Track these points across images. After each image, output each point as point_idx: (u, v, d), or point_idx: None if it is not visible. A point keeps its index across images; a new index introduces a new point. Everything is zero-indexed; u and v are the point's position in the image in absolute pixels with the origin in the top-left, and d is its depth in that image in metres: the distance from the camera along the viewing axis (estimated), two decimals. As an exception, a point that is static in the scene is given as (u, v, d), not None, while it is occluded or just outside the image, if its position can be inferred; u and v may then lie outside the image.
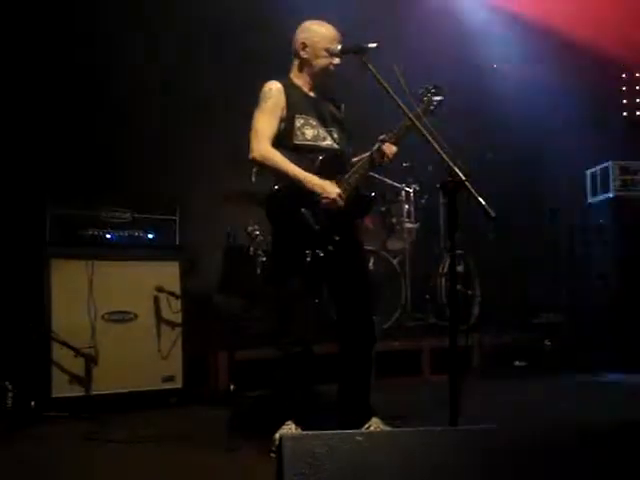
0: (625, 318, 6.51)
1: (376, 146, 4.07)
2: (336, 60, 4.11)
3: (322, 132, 4.15)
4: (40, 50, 5.84)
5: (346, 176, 4.05)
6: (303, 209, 3.96)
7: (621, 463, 2.39)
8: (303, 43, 4.15)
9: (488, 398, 5.34)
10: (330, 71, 4.15)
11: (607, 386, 5.93)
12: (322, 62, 4.13)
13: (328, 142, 4.16)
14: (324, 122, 4.19)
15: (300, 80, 4.21)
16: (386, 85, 3.67)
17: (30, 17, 5.81)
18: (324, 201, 3.94)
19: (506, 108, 7.12)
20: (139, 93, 6.19)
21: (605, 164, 6.99)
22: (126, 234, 5.33)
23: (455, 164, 3.23)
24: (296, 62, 4.23)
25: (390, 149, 4.04)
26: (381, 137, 4.07)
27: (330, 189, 3.95)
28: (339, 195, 3.96)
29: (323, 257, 3.94)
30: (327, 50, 4.08)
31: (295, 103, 4.11)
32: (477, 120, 7.06)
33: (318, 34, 4.14)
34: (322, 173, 4.01)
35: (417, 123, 3.58)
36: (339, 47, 4.06)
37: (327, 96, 4.32)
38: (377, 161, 4.08)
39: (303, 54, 4.17)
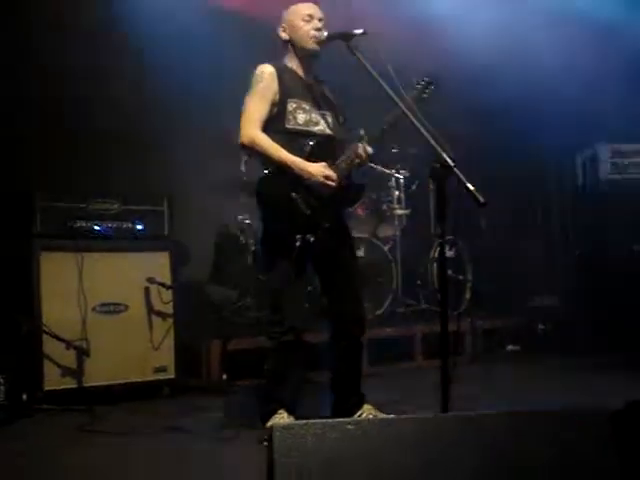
0: (616, 300, 6.53)
1: (358, 140, 4.04)
2: (315, 24, 4.07)
3: (315, 116, 4.13)
4: (28, 39, 5.79)
5: (337, 161, 4.03)
6: (293, 193, 3.95)
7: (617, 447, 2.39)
8: (283, 26, 4.18)
9: (480, 383, 5.36)
10: (314, 44, 4.08)
11: (599, 369, 5.93)
12: (302, 32, 4.09)
13: (320, 127, 4.14)
14: (318, 106, 4.17)
15: (293, 64, 4.19)
16: (373, 72, 3.66)
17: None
18: (315, 183, 3.93)
19: (495, 91, 7.09)
20: (127, 83, 6.15)
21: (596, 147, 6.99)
22: (115, 225, 5.29)
23: (443, 150, 3.23)
24: (285, 47, 4.22)
25: (365, 150, 3.99)
26: (361, 132, 4.04)
27: (317, 171, 3.93)
28: (328, 177, 3.94)
29: (313, 242, 3.93)
30: (303, 19, 4.07)
31: (288, 87, 4.09)
32: (467, 104, 7.03)
33: (291, 12, 4.17)
34: (313, 158, 3.99)
35: (403, 108, 3.57)
36: (325, 34, 4.05)
37: (321, 80, 4.30)
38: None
39: (285, 36, 4.17)
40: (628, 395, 2.67)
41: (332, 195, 3.98)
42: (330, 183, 3.94)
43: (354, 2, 6.59)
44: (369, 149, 3.97)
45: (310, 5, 4.15)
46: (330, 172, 3.95)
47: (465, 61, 6.64)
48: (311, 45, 4.09)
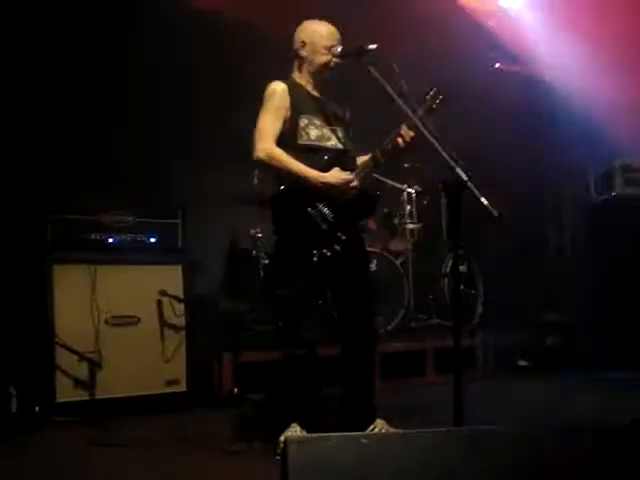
0: (628, 316, 6.50)
1: (377, 149, 4.06)
2: (335, 59, 4.11)
3: (326, 132, 4.15)
4: (39, 53, 5.83)
5: (353, 173, 4.05)
6: (309, 209, 3.96)
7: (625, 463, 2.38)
8: (303, 42, 4.17)
9: (492, 398, 5.34)
10: (329, 69, 4.15)
11: (609, 384, 5.90)
12: (322, 59, 4.13)
13: (332, 142, 4.16)
14: (328, 121, 4.18)
15: (302, 79, 4.22)
16: (387, 87, 3.68)
17: (27, 16, 5.80)
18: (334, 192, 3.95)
19: (507, 105, 7.10)
20: (140, 95, 6.18)
21: (609, 162, 6.99)
22: (128, 238, 5.31)
23: (457, 164, 3.23)
24: (296, 61, 4.24)
25: (408, 134, 3.97)
26: (383, 143, 4.05)
27: (336, 176, 3.96)
28: (346, 181, 3.97)
29: (330, 257, 3.93)
30: (326, 48, 4.09)
31: (299, 103, 4.11)
32: (478, 119, 7.04)
33: (317, 32, 4.16)
34: (328, 172, 4.01)
35: (418, 123, 3.59)
36: (339, 49, 4.07)
37: (330, 96, 4.32)
38: (381, 157, 4.04)
39: (303, 53, 4.18)
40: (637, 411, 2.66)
41: (347, 208, 3.99)
42: (351, 184, 3.97)
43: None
44: (411, 133, 3.93)
45: (335, 32, 4.16)
46: (347, 176, 3.97)
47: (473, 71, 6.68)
48: (329, 68, 4.13)
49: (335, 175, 3.98)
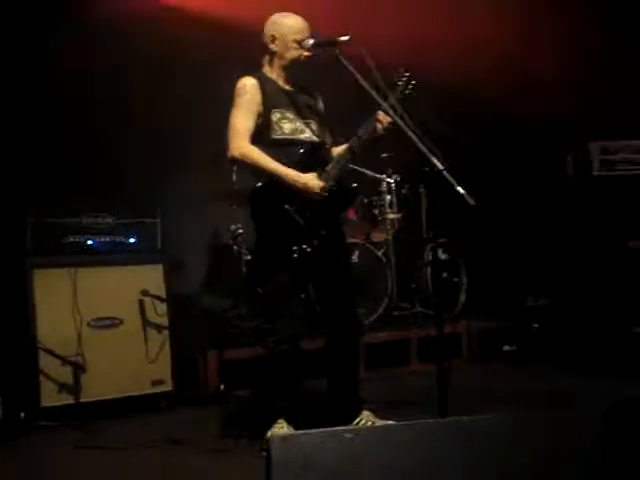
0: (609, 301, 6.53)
1: (354, 139, 4.07)
2: (307, 52, 4.09)
3: (300, 125, 4.13)
4: (21, 56, 5.78)
5: (327, 168, 4.03)
6: (287, 205, 3.95)
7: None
8: (272, 36, 4.14)
9: (477, 385, 5.36)
10: (300, 62, 4.13)
11: (593, 370, 5.92)
12: (292, 54, 4.11)
13: (307, 134, 4.14)
14: (301, 115, 4.16)
15: (273, 74, 4.19)
16: (359, 76, 3.67)
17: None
18: (306, 195, 3.93)
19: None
20: (117, 95, 6.14)
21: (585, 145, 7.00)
22: (108, 239, 5.29)
23: (433, 154, 3.24)
24: (267, 56, 4.21)
25: (385, 119, 3.98)
26: (359, 132, 4.05)
27: (311, 184, 3.94)
28: (322, 188, 3.95)
29: (309, 252, 3.93)
30: (297, 42, 4.07)
31: (271, 97, 4.09)
32: (452, 103, 7.05)
33: (286, 26, 4.12)
34: (303, 166, 3.99)
35: (391, 113, 3.60)
36: (311, 41, 4.05)
37: (302, 88, 4.29)
38: (358, 147, 4.05)
39: (273, 47, 4.15)
40: (620, 394, 2.67)
41: (325, 201, 3.98)
42: (323, 194, 3.95)
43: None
44: (389, 118, 3.92)
45: (305, 25, 4.12)
46: (322, 183, 3.96)
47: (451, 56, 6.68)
48: (299, 62, 4.10)
49: (310, 183, 3.95)
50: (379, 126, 3.99)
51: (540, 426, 2.47)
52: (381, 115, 3.96)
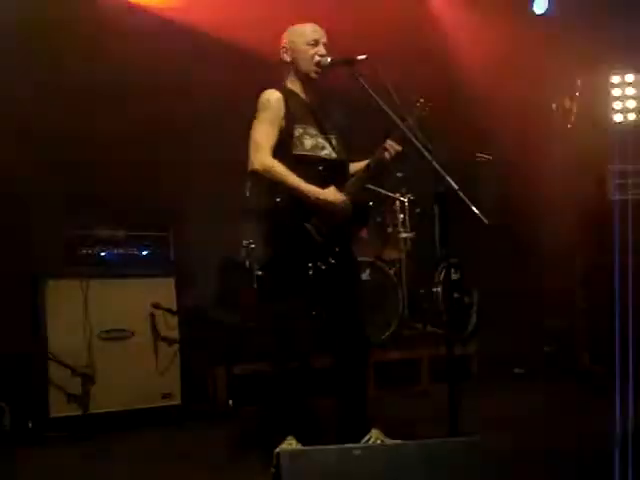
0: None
1: (371, 159, 4.07)
2: (320, 49, 4.06)
3: (321, 141, 4.10)
4: (32, 62, 5.81)
5: (346, 185, 4.04)
6: (306, 224, 3.95)
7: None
8: (284, 47, 4.14)
9: (488, 407, 5.33)
10: (317, 69, 4.08)
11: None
12: (305, 57, 4.07)
13: (327, 151, 4.11)
14: (322, 130, 4.14)
15: (295, 86, 4.17)
16: (377, 98, 3.68)
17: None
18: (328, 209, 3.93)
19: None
20: (131, 107, 6.15)
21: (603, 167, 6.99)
22: (120, 252, 5.32)
23: (447, 173, 3.24)
24: (286, 69, 4.20)
25: (393, 147, 3.98)
26: (370, 161, 4.07)
27: (333, 197, 3.95)
28: (343, 202, 3.96)
29: (324, 270, 3.92)
30: (309, 44, 4.05)
31: (294, 112, 4.06)
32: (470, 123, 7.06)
33: (295, 33, 4.12)
34: (321, 184, 3.98)
35: (408, 133, 3.60)
36: (329, 60, 4.04)
37: (323, 100, 4.27)
38: (375, 169, 4.06)
39: (287, 57, 4.14)
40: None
41: (341, 220, 3.98)
42: (346, 206, 3.96)
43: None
44: (397, 147, 3.94)
45: (316, 29, 4.12)
46: (342, 196, 3.97)
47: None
48: (313, 71, 4.09)
49: (331, 198, 3.96)
50: (387, 155, 4.00)
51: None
52: (388, 144, 3.97)
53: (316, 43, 4.07)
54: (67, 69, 5.84)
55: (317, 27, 4.13)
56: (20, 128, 5.56)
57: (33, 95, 5.61)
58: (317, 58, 4.05)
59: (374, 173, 4.10)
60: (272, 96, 4.06)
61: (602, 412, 4.21)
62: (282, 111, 4.04)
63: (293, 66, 4.15)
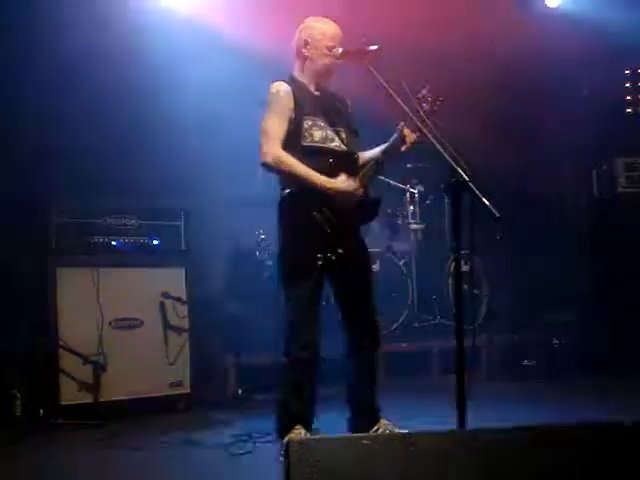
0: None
1: (380, 149, 4.08)
2: (337, 51, 4.07)
3: (330, 133, 4.11)
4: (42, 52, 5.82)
5: (359, 174, 4.04)
6: (315, 213, 3.95)
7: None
8: (305, 40, 4.12)
9: (497, 398, 5.34)
10: (332, 69, 4.13)
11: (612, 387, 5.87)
12: (324, 60, 4.09)
13: (336, 143, 4.12)
14: (331, 122, 4.14)
15: (305, 79, 4.17)
16: (389, 88, 3.67)
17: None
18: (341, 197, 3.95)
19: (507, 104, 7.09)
20: (144, 98, 6.16)
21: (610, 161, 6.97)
22: (131, 241, 5.34)
23: (458, 165, 3.23)
24: (298, 60, 4.19)
25: (411, 136, 3.98)
26: (385, 148, 4.07)
27: (345, 186, 3.96)
28: (356, 189, 3.98)
29: (334, 260, 3.93)
30: (328, 48, 4.06)
31: (303, 104, 4.06)
32: (478, 119, 7.03)
33: (320, 31, 4.11)
34: (332, 175, 3.99)
35: (420, 125, 3.60)
36: (340, 51, 4.05)
37: (332, 93, 4.28)
38: (390, 155, 4.07)
39: (305, 52, 4.13)
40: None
41: (351, 211, 3.98)
42: (356, 192, 3.98)
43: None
44: (414, 135, 3.93)
45: (338, 30, 4.11)
46: (354, 183, 3.98)
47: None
48: (328, 66, 4.10)
49: (343, 182, 3.97)
50: (404, 143, 3.99)
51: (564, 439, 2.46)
52: (407, 131, 3.96)
53: (335, 45, 4.08)
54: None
55: (338, 28, 4.13)
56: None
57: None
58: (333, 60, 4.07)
59: (391, 159, 4.11)
60: (281, 87, 4.07)
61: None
62: (291, 102, 4.04)
63: (307, 60, 4.15)
